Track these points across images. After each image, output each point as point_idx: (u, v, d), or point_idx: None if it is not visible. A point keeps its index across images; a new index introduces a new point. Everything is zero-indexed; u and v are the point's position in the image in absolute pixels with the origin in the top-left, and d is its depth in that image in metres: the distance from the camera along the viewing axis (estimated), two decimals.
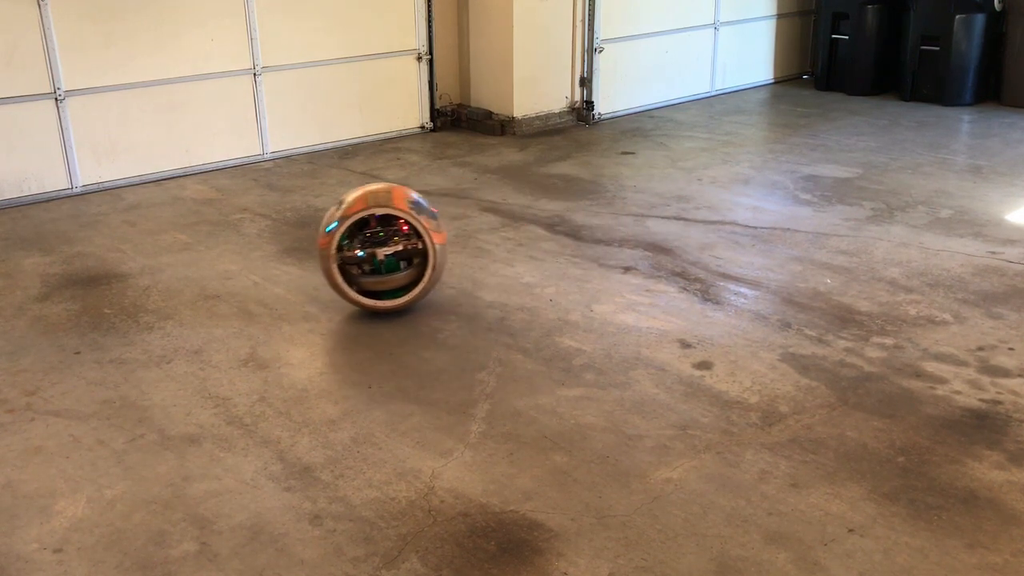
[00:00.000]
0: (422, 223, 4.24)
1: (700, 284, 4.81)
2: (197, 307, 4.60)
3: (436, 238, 4.30)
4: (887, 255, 5.16)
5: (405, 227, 4.31)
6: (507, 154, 7.49)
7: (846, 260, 5.09)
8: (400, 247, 4.31)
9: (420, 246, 4.29)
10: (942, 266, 4.99)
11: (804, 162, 7.09)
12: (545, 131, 8.21)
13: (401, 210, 4.24)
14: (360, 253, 4.29)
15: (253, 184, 6.72)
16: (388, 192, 4.31)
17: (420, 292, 4.36)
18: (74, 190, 6.48)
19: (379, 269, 4.32)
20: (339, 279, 4.28)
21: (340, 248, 4.24)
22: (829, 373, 3.87)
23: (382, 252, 4.28)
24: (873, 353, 4.03)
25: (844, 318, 4.38)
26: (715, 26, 9.46)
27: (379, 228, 4.31)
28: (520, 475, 3.21)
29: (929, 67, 9.01)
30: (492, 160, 7.32)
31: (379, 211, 4.25)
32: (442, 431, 3.49)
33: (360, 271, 4.35)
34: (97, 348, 4.19)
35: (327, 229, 4.25)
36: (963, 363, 3.93)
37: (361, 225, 4.30)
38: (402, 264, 4.37)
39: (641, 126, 8.40)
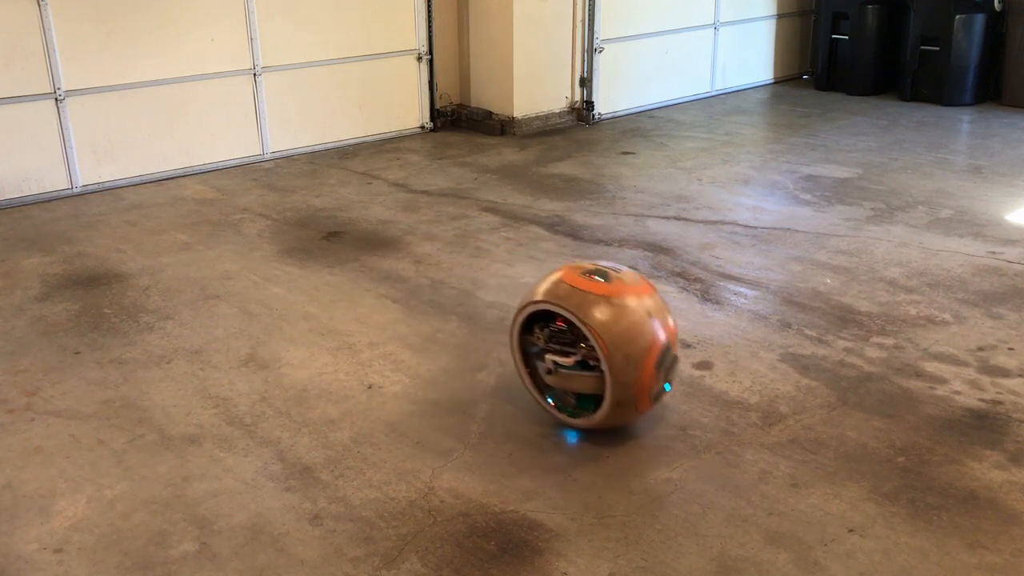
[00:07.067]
0: (600, 335, 3.18)
1: (700, 284, 4.81)
2: (197, 307, 4.60)
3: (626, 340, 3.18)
4: (887, 255, 5.16)
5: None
6: (507, 154, 7.49)
7: (846, 260, 5.09)
8: (579, 356, 3.31)
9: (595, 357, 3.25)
10: (942, 266, 4.99)
11: (804, 162, 7.09)
12: (545, 131, 8.21)
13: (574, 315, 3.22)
14: (537, 349, 3.44)
15: (253, 184, 6.72)
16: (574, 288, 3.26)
17: (600, 418, 3.32)
18: (74, 190, 6.48)
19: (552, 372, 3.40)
20: (525, 377, 3.52)
21: (527, 331, 3.45)
22: (829, 373, 3.87)
23: (550, 359, 3.36)
24: (873, 353, 4.03)
25: (844, 318, 4.38)
26: (715, 26, 9.46)
27: (566, 327, 3.32)
28: (520, 475, 3.21)
29: (929, 67, 9.01)
30: (492, 160, 7.32)
31: (548, 307, 3.30)
32: (442, 431, 3.49)
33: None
34: (97, 348, 4.19)
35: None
36: (963, 363, 3.93)
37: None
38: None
39: (641, 126, 8.40)
